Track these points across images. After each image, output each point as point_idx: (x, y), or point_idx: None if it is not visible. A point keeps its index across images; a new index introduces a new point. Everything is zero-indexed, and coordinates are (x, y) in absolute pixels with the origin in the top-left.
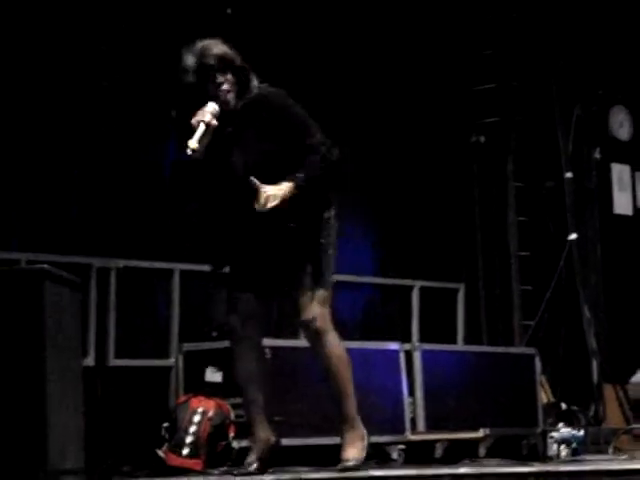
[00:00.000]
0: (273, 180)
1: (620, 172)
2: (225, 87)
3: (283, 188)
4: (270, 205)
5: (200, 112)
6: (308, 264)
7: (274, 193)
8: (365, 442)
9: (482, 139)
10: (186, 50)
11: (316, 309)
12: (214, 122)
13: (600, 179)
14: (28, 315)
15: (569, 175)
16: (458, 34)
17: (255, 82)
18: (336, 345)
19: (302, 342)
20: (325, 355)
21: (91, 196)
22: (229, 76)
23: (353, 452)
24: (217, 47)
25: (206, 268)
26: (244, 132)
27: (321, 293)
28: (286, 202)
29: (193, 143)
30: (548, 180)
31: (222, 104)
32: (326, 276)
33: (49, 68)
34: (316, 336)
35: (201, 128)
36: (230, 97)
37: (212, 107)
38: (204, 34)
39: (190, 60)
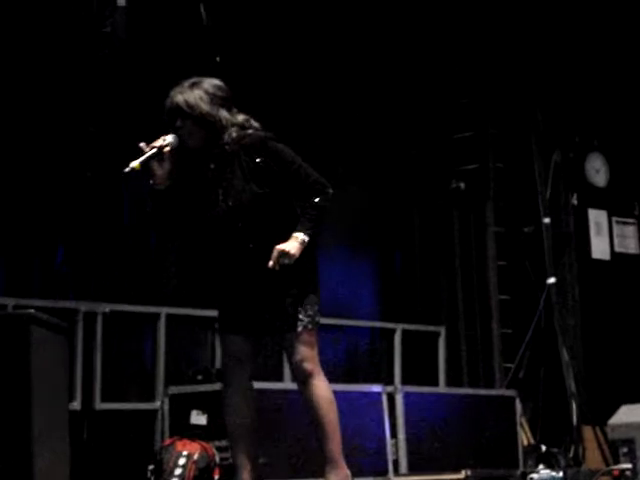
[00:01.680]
0: (258, 220)
1: (597, 217)
2: (181, 132)
3: (296, 245)
4: (285, 262)
5: (158, 138)
6: (294, 306)
7: (287, 250)
8: None
9: (462, 185)
10: (176, 86)
11: (305, 351)
12: (167, 149)
13: (577, 224)
14: (14, 359)
15: (547, 220)
16: (436, 83)
17: (234, 122)
18: (324, 387)
19: (286, 384)
20: (313, 397)
21: (76, 241)
22: (188, 122)
23: None
24: (184, 94)
25: (191, 312)
26: (229, 173)
27: (308, 334)
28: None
29: (134, 163)
30: (527, 225)
31: (183, 141)
32: (310, 313)
33: (29, 112)
34: (305, 378)
35: (150, 152)
36: (190, 141)
37: (170, 137)
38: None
39: (166, 99)
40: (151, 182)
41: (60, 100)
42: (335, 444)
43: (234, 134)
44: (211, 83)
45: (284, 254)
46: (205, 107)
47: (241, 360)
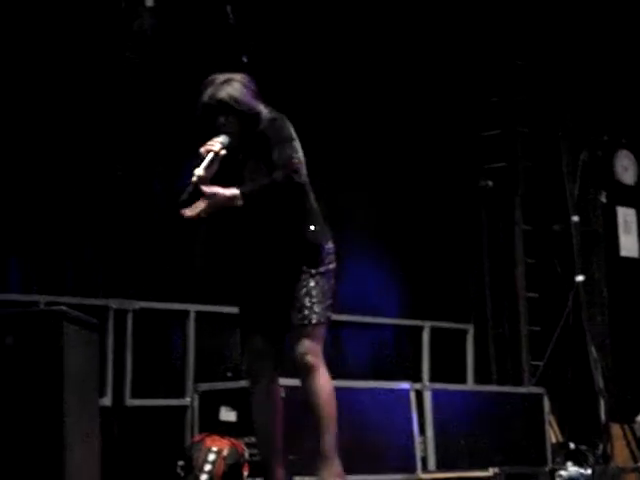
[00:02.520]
0: (274, 208)
1: (625, 215)
2: (226, 129)
3: (225, 193)
4: (198, 209)
5: (210, 142)
6: (294, 296)
7: (216, 192)
8: None
9: (490, 184)
10: (206, 82)
11: (307, 344)
12: (223, 152)
13: (606, 222)
14: (47, 356)
15: (576, 218)
16: (465, 82)
17: (264, 116)
18: (325, 382)
19: None
20: (312, 391)
21: (107, 239)
22: (230, 118)
23: None
24: (225, 89)
25: (221, 309)
26: (248, 164)
27: (312, 328)
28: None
29: (199, 170)
30: (555, 223)
31: (231, 141)
32: (319, 311)
33: (67, 122)
34: (306, 371)
35: (209, 157)
36: (233, 138)
37: (223, 138)
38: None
39: (202, 96)
40: (196, 180)
41: (90, 98)
42: (330, 439)
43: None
44: (243, 77)
45: (211, 194)
46: (249, 101)
47: (263, 359)
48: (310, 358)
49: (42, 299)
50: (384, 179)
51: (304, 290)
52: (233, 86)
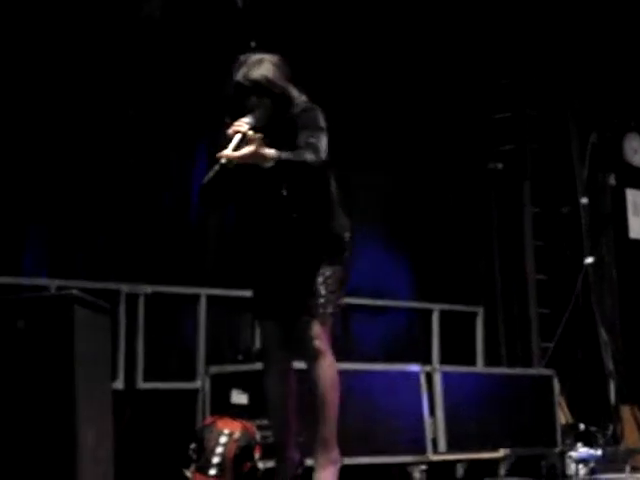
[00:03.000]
0: (300, 190)
1: (635, 197)
2: (258, 110)
3: (264, 149)
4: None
5: (237, 123)
6: (312, 284)
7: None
8: (337, 466)
9: (499, 166)
10: (238, 62)
11: (318, 330)
12: (250, 133)
13: (615, 204)
14: (58, 340)
15: (585, 200)
16: (475, 64)
17: (298, 100)
18: (331, 369)
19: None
20: (318, 377)
21: (118, 223)
22: (265, 99)
23: (324, 475)
24: (258, 69)
25: (231, 292)
26: (279, 145)
27: (325, 315)
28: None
29: (228, 151)
30: (564, 205)
31: (258, 121)
32: (332, 299)
33: (79, 106)
34: (314, 356)
35: (237, 138)
36: (264, 119)
37: (250, 119)
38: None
39: (234, 75)
40: (223, 161)
41: (99, 86)
42: (330, 426)
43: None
44: (276, 58)
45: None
46: (282, 83)
47: (277, 342)
48: (319, 343)
49: (53, 283)
50: (394, 162)
51: (321, 278)
52: (266, 66)
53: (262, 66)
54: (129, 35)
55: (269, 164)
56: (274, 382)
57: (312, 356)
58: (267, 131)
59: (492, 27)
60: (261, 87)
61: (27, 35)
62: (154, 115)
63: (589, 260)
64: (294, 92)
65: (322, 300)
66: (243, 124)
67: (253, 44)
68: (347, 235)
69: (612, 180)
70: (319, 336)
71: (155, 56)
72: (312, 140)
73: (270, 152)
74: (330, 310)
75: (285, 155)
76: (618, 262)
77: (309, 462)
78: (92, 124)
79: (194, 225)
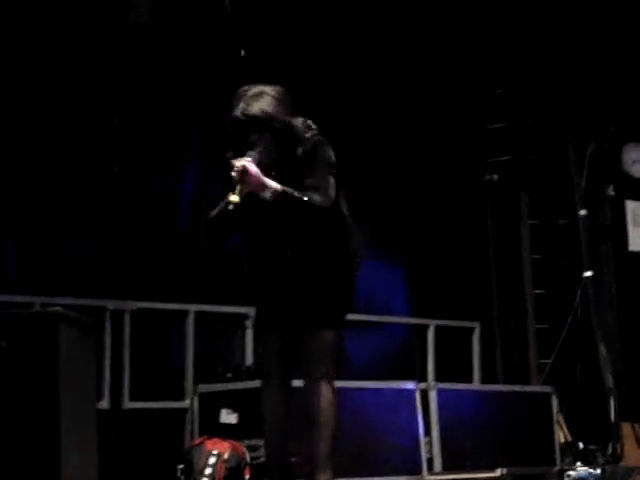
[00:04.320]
0: (300, 226)
1: (634, 209)
2: (258, 147)
3: (264, 180)
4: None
5: (238, 163)
6: (323, 303)
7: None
8: None
9: (495, 177)
10: (237, 95)
11: (322, 350)
12: (253, 169)
13: (614, 216)
14: (42, 358)
15: (583, 212)
16: (470, 75)
17: (305, 133)
18: (330, 390)
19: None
20: (316, 397)
21: (103, 238)
22: (266, 135)
23: None
24: (257, 103)
25: (220, 309)
26: (280, 182)
27: (329, 333)
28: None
29: (234, 198)
30: (562, 217)
31: (260, 157)
32: (338, 318)
33: (62, 119)
34: (315, 377)
35: (240, 177)
36: (267, 156)
37: (251, 156)
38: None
39: (233, 110)
40: (231, 207)
41: (87, 92)
42: (327, 447)
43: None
44: (276, 90)
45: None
46: (283, 116)
47: (277, 358)
48: (321, 365)
49: (38, 300)
50: (389, 175)
51: (327, 296)
52: (266, 100)
53: (262, 100)
54: (116, 41)
55: (267, 194)
56: (272, 398)
57: (313, 377)
58: (272, 165)
59: (487, 36)
60: (261, 122)
61: (9, 43)
62: (139, 124)
63: (588, 273)
64: (298, 124)
65: (327, 318)
66: (246, 162)
67: (243, 52)
68: (359, 255)
69: (611, 191)
70: (322, 357)
71: (142, 63)
72: (320, 183)
73: (272, 183)
74: (334, 327)
75: (290, 190)
76: (618, 275)
77: None
78: (78, 138)
79: (182, 240)
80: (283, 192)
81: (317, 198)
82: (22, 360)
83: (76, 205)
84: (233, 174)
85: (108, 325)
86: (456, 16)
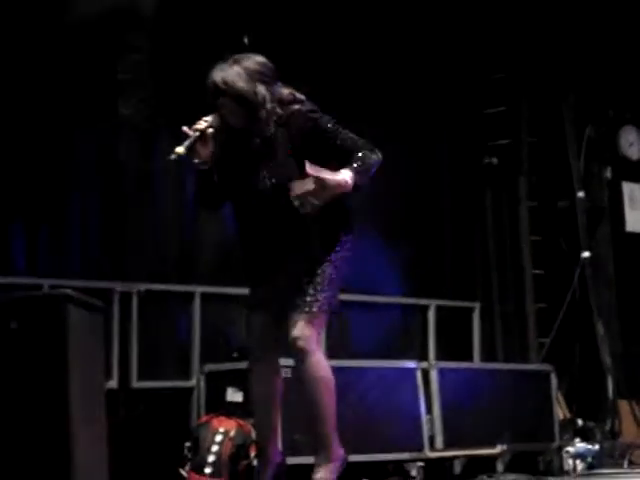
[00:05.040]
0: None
1: (631, 190)
2: (223, 111)
3: (337, 179)
4: (308, 202)
5: (198, 121)
6: (308, 282)
7: (326, 181)
8: (338, 464)
9: (494, 161)
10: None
11: (303, 328)
12: (209, 131)
13: (612, 198)
14: (51, 340)
15: (581, 194)
16: (468, 58)
17: (274, 103)
18: (320, 367)
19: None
20: (307, 376)
21: (111, 221)
22: (227, 100)
23: (322, 473)
24: (222, 72)
25: (226, 290)
26: (273, 149)
27: (313, 312)
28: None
29: (179, 148)
30: (560, 200)
31: (217, 121)
32: (321, 299)
33: (70, 104)
34: (299, 356)
35: (193, 135)
36: (232, 120)
37: (211, 118)
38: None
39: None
40: (196, 161)
41: (86, 83)
42: (329, 426)
43: (277, 110)
44: (251, 59)
45: (318, 189)
46: (242, 84)
47: (265, 339)
48: (303, 343)
49: (46, 282)
50: (389, 157)
51: (310, 276)
52: (233, 69)
53: (230, 68)
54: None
55: (349, 188)
56: (259, 379)
57: (298, 357)
58: (250, 132)
59: (485, 21)
60: (219, 89)
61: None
62: (144, 112)
63: (586, 254)
64: (261, 91)
65: (309, 299)
66: (203, 122)
67: (246, 41)
68: (346, 234)
69: (608, 173)
70: (304, 336)
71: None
72: (353, 143)
73: (343, 177)
74: (317, 309)
75: (355, 170)
76: (615, 256)
77: (304, 460)
78: (81, 122)
79: (188, 223)
80: (345, 181)
81: (374, 156)
82: (32, 341)
83: (82, 188)
84: (184, 128)
85: (116, 307)
86: (456, 2)
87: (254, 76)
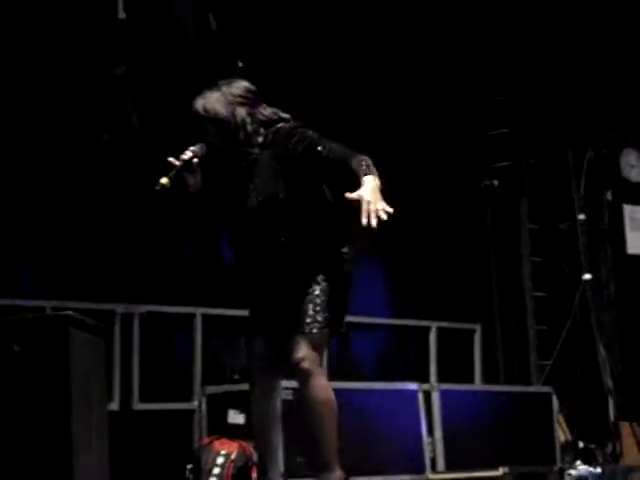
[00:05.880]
0: (288, 215)
1: (632, 212)
2: (208, 137)
3: (373, 186)
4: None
5: (184, 152)
6: (306, 303)
7: (370, 196)
8: None
9: (495, 183)
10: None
11: (305, 350)
12: (195, 160)
13: (612, 220)
14: (54, 362)
15: (582, 217)
16: (470, 81)
17: (254, 125)
18: (322, 389)
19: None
20: (308, 397)
21: (113, 243)
22: (210, 126)
23: None
24: (202, 99)
25: (227, 312)
26: (260, 169)
27: (313, 334)
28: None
29: (163, 179)
30: (562, 222)
31: (202, 150)
32: (321, 320)
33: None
34: (302, 377)
35: (178, 166)
36: (217, 145)
37: (196, 147)
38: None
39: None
40: (158, 188)
41: (73, 107)
42: (330, 448)
43: (260, 131)
44: (232, 84)
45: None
46: (221, 109)
47: (265, 362)
48: (305, 365)
49: (48, 304)
50: (391, 179)
51: (310, 297)
52: (213, 95)
53: (210, 94)
54: (105, 55)
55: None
56: (259, 402)
57: (300, 379)
58: (243, 157)
59: (488, 44)
60: (201, 116)
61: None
62: (143, 138)
63: (587, 276)
64: (240, 114)
65: (308, 320)
66: (189, 152)
67: (240, 64)
68: (343, 252)
69: (609, 196)
70: (306, 358)
71: (134, 78)
72: (336, 148)
73: (373, 182)
74: (317, 330)
75: (372, 171)
76: (616, 278)
77: None
78: (85, 147)
79: (188, 245)
80: (375, 181)
81: (361, 155)
82: (34, 362)
83: (86, 211)
84: (170, 159)
85: (118, 328)
86: (457, 23)
87: (234, 100)
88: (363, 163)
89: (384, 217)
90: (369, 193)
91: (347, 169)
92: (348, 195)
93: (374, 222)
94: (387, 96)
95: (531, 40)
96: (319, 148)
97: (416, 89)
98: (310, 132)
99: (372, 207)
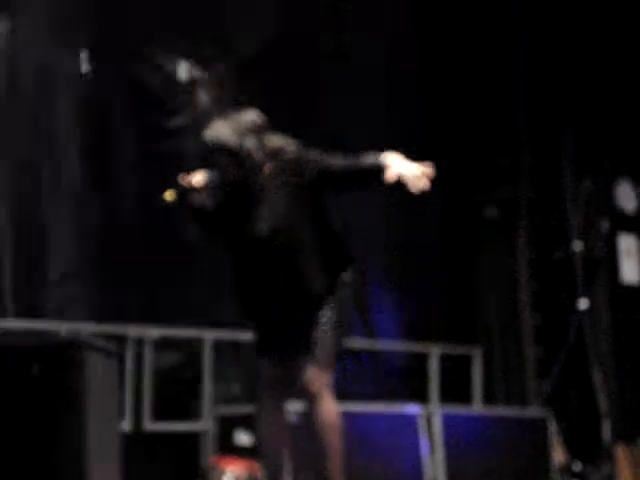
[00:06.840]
0: (294, 239)
1: (627, 242)
2: (220, 167)
3: (399, 159)
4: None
5: (195, 176)
6: (314, 327)
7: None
8: None
9: (494, 211)
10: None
11: (314, 373)
12: (201, 184)
13: (608, 249)
14: (69, 385)
15: (578, 246)
16: (469, 112)
17: (260, 152)
18: (329, 413)
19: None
20: (316, 419)
21: (126, 266)
22: (219, 155)
23: None
24: (213, 130)
25: (236, 335)
26: (271, 196)
27: (320, 356)
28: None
29: (168, 195)
30: (558, 251)
31: (217, 178)
32: (326, 339)
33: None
34: (310, 399)
35: (183, 186)
36: (227, 172)
37: (210, 174)
38: None
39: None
40: (162, 203)
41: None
42: (333, 469)
43: (268, 158)
44: (241, 114)
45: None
46: (227, 138)
47: (273, 384)
48: (314, 387)
49: (63, 327)
50: (390, 199)
51: (317, 321)
52: (222, 125)
53: (221, 125)
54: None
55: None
56: (266, 423)
57: (309, 400)
58: (248, 183)
59: (487, 73)
60: (212, 146)
61: None
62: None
63: (583, 305)
64: (249, 144)
65: (315, 342)
66: (197, 175)
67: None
68: (347, 273)
69: (605, 225)
70: (315, 379)
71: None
72: (334, 158)
73: (388, 157)
74: (327, 353)
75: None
76: (611, 306)
77: None
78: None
79: (198, 267)
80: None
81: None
82: (50, 386)
83: (97, 233)
84: (181, 180)
85: (130, 351)
86: (457, 57)
87: (242, 129)
88: (371, 153)
89: (430, 175)
90: (402, 166)
91: (361, 169)
92: (387, 178)
93: (424, 186)
94: (386, 121)
95: (529, 70)
96: (331, 162)
97: (415, 118)
98: (318, 154)
99: (412, 176)
